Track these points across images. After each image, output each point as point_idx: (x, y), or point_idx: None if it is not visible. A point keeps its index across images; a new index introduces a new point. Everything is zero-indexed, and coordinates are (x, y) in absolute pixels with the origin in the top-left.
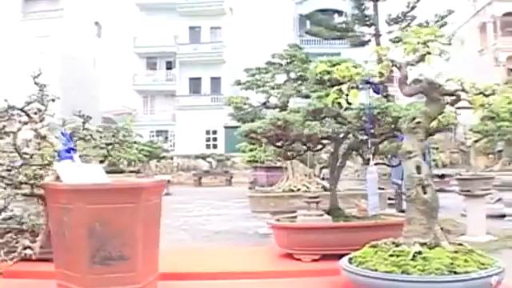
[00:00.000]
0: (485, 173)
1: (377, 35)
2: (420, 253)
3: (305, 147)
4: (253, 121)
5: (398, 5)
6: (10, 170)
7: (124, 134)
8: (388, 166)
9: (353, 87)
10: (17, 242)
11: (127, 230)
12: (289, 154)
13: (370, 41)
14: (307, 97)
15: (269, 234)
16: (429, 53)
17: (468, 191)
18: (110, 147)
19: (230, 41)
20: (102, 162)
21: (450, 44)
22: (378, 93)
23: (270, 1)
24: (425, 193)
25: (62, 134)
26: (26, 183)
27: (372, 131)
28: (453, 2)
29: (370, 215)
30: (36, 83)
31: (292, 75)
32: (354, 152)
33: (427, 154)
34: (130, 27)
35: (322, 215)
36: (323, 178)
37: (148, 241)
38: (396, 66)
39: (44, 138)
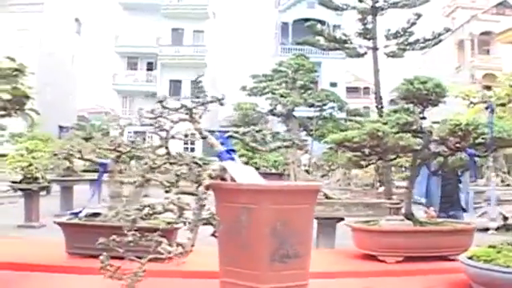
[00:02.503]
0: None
1: (374, 49)
2: None
3: (376, 157)
4: (249, 126)
5: (393, 20)
6: (191, 169)
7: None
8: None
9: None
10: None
11: (303, 229)
12: (362, 162)
13: (366, 53)
14: (312, 106)
15: None
16: None
17: None
18: None
19: (211, 45)
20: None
21: None
22: (493, 112)
23: (253, 8)
24: None
25: (221, 137)
26: (196, 182)
27: (458, 145)
28: (431, 17)
29: (437, 221)
30: (197, 82)
31: (297, 84)
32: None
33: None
34: (111, 26)
35: (403, 220)
36: None
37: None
38: None
39: (205, 138)
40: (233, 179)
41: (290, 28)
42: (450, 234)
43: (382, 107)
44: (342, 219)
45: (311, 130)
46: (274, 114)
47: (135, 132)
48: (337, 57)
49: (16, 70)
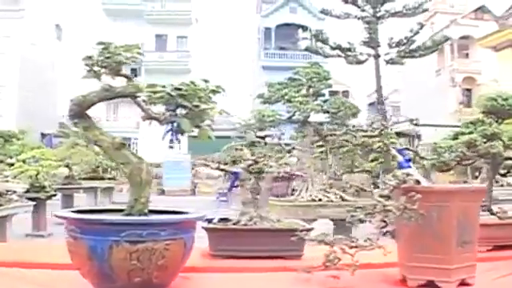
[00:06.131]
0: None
1: (377, 56)
2: None
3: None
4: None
5: (388, 29)
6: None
7: None
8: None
9: None
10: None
11: (475, 220)
12: (444, 168)
13: (366, 60)
14: (327, 112)
15: None
16: None
17: None
18: None
19: (195, 50)
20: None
21: None
22: None
23: (235, 13)
24: None
25: (397, 149)
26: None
27: None
28: (410, 21)
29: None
30: (381, 102)
31: (311, 91)
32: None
33: None
34: (93, 31)
35: (488, 215)
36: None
37: None
38: None
39: (388, 151)
40: (418, 183)
41: (272, 33)
42: None
43: (385, 111)
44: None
45: (325, 136)
46: (292, 122)
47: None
48: (317, 61)
49: (212, 91)
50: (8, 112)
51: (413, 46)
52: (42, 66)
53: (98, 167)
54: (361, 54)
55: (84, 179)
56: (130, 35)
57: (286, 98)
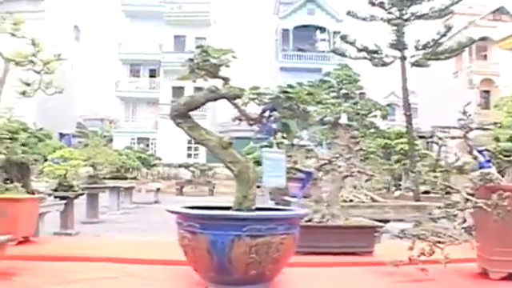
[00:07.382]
0: None
1: (403, 58)
2: None
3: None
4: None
5: (414, 30)
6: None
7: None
8: None
9: None
10: None
11: None
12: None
13: (392, 62)
14: (357, 114)
15: None
16: None
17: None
18: None
19: None
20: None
21: None
22: None
23: (253, 15)
24: None
25: (478, 150)
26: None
27: None
28: (428, 24)
29: None
30: (464, 112)
31: (341, 93)
32: None
33: None
34: (111, 33)
35: None
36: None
37: None
38: None
39: (471, 152)
40: (499, 182)
41: (290, 34)
42: None
43: (410, 114)
44: (388, 221)
45: (356, 137)
46: (323, 123)
47: (138, 138)
48: (335, 62)
49: (309, 93)
50: (27, 112)
51: (440, 49)
52: (61, 67)
53: (121, 167)
54: (386, 56)
55: (107, 179)
56: (149, 36)
57: (318, 99)
